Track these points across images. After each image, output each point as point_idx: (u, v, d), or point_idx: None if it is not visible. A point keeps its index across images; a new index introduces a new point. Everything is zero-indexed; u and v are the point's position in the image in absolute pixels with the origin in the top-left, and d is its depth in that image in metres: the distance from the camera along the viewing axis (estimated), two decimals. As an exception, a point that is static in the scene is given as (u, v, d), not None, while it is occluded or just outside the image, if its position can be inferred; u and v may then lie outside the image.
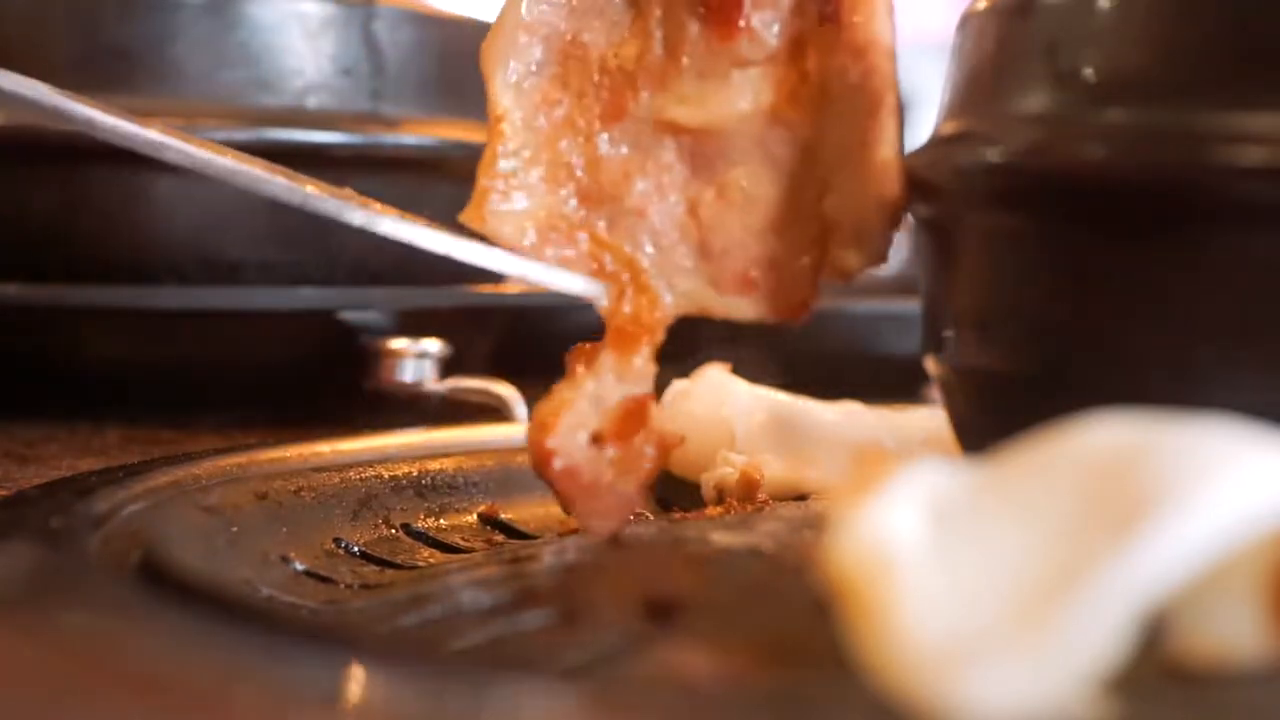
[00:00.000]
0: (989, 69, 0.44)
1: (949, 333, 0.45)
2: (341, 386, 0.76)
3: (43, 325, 0.77)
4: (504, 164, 0.46)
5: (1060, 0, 0.43)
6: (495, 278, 0.89)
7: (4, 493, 0.50)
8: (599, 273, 0.46)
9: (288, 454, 0.52)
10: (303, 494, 0.50)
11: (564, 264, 0.46)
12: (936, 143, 0.46)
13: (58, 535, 0.41)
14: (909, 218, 0.48)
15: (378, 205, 0.47)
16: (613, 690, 0.31)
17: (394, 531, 0.50)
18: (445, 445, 0.56)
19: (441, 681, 0.29)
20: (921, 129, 0.48)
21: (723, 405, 0.57)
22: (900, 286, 1.10)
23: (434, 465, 0.54)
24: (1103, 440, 0.30)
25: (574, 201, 0.46)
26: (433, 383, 0.75)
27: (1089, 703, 0.27)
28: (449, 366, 0.76)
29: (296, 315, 0.78)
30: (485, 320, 0.86)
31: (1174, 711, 0.31)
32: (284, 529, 0.47)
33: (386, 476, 0.53)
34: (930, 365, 0.47)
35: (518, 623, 0.39)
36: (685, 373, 0.59)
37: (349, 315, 0.77)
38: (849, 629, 0.29)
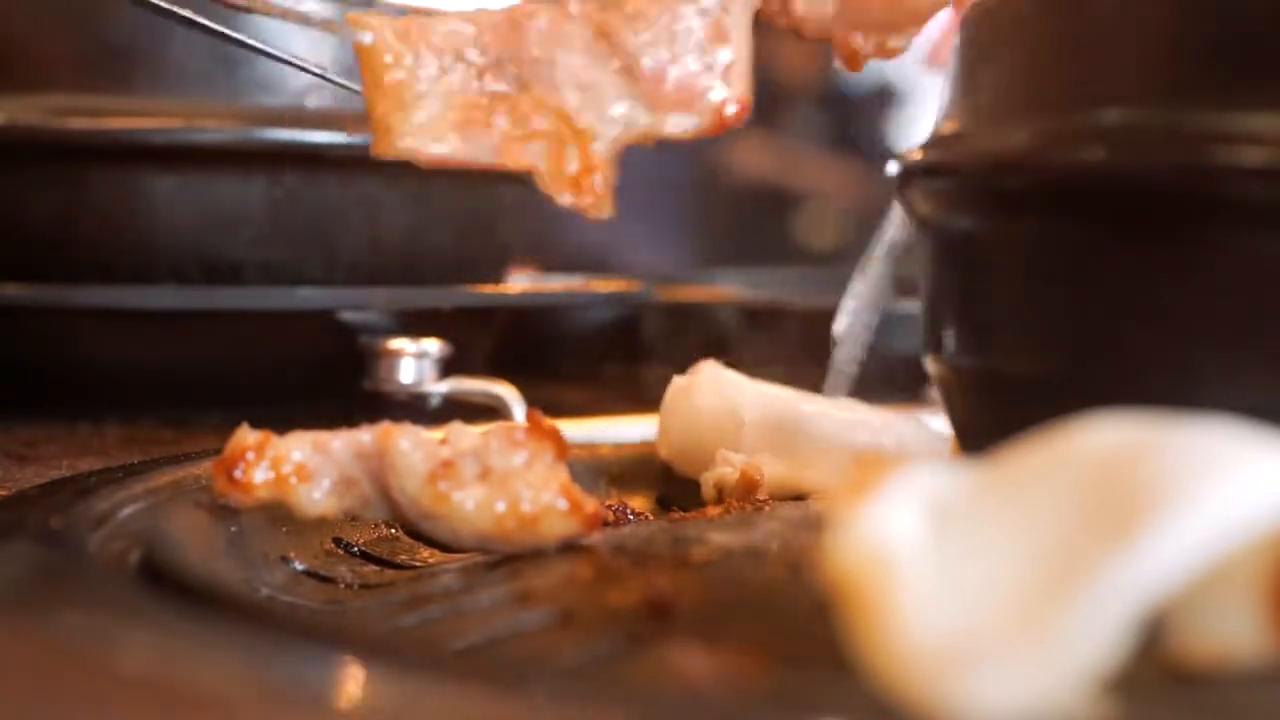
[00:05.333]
0: (989, 69, 0.44)
1: (949, 333, 0.45)
2: (341, 386, 0.76)
3: (43, 325, 0.77)
4: (393, 78, 0.44)
5: (1060, 1, 0.43)
6: (495, 278, 0.90)
7: (4, 493, 0.50)
8: (531, 135, 0.44)
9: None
10: (303, 494, 0.49)
11: (498, 146, 0.44)
12: (936, 142, 0.46)
13: (58, 535, 0.41)
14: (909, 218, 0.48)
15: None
16: (613, 690, 0.31)
17: (394, 531, 0.50)
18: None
19: (441, 681, 0.29)
20: (921, 129, 0.48)
21: (728, 399, 0.57)
22: (900, 286, 1.10)
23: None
24: (1103, 441, 0.30)
25: (476, 83, 0.44)
26: (432, 383, 0.75)
27: (1089, 703, 0.27)
28: (448, 366, 0.76)
29: (296, 315, 0.78)
30: (485, 320, 0.86)
31: (1174, 711, 0.31)
32: (284, 529, 0.47)
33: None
34: (930, 365, 0.47)
35: (518, 623, 0.39)
36: (683, 369, 0.59)
37: (349, 315, 0.77)
38: (849, 629, 0.29)
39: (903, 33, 0.45)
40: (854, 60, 0.46)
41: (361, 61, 0.45)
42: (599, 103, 0.45)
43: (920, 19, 0.45)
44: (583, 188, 0.44)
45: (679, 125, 0.45)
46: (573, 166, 0.44)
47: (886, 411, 0.58)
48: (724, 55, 0.44)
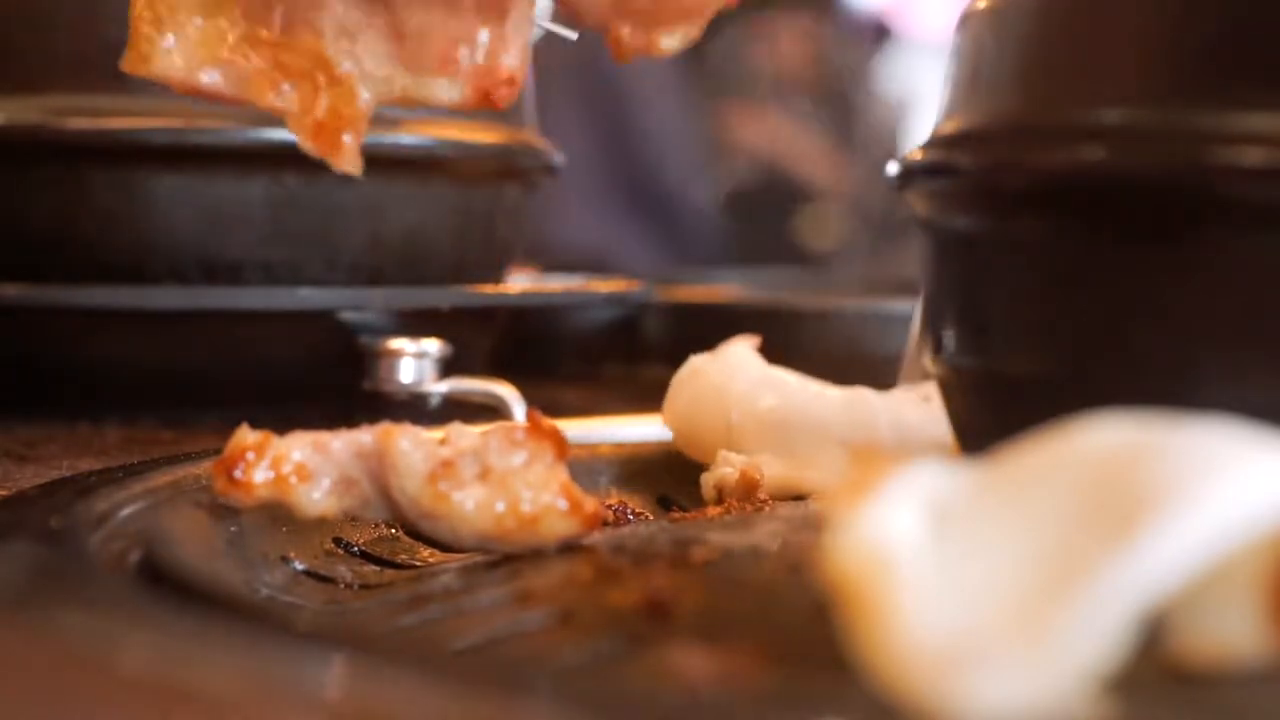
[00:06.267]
0: (989, 69, 0.44)
1: (949, 333, 0.45)
2: (341, 386, 0.76)
3: (43, 325, 0.77)
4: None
5: (1060, 1, 0.43)
6: (495, 278, 0.90)
7: (4, 493, 0.50)
8: (287, 75, 0.44)
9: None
10: (303, 494, 0.49)
11: (249, 80, 0.44)
12: (936, 143, 0.46)
13: (58, 535, 0.41)
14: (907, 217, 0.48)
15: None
16: (613, 690, 0.31)
17: (394, 531, 0.50)
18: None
19: (442, 681, 0.29)
20: (921, 129, 0.48)
21: (732, 382, 0.56)
22: (900, 286, 1.10)
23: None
24: (1103, 441, 0.30)
25: (239, 18, 0.43)
26: (432, 383, 0.75)
27: (1089, 703, 0.27)
28: (448, 366, 0.76)
29: (296, 315, 0.78)
30: (485, 320, 0.86)
31: (1174, 711, 0.31)
32: (284, 529, 0.47)
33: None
34: (930, 365, 0.47)
35: (518, 623, 0.39)
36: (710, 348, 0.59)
37: (348, 315, 0.77)
38: (849, 629, 0.29)
39: (672, 30, 0.44)
40: (620, 51, 0.45)
41: None
42: (360, 56, 0.44)
43: (688, 16, 0.45)
44: (328, 136, 0.44)
45: (441, 92, 0.44)
46: (321, 113, 0.44)
47: (889, 396, 0.57)
48: (497, 29, 0.44)
